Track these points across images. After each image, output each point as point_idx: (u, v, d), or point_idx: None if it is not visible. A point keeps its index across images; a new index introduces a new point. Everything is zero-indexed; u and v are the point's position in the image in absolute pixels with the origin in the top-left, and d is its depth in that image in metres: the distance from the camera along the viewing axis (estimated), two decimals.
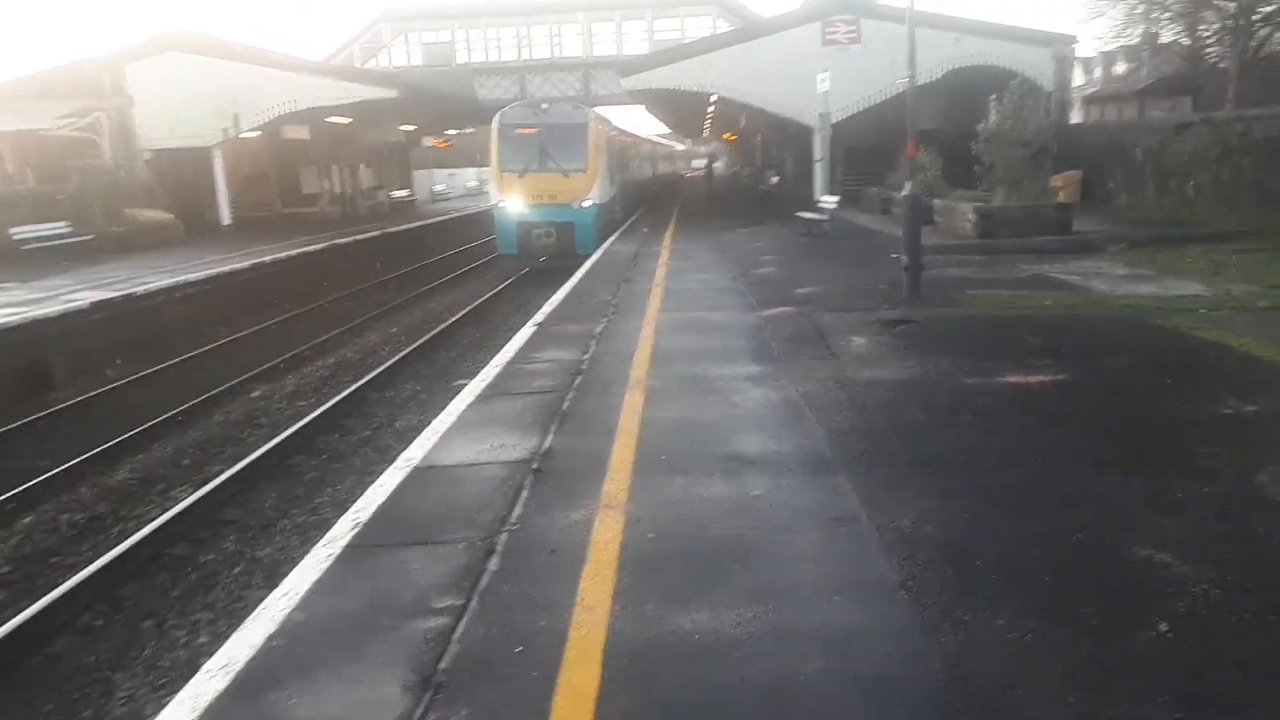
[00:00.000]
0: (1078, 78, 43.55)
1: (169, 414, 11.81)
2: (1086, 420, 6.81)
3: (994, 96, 18.39)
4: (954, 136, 22.80)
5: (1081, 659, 3.66)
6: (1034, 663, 3.65)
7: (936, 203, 19.91)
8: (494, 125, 23.53)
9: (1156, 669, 3.57)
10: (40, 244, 21.68)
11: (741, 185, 54.43)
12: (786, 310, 11.82)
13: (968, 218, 18.12)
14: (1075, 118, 38.54)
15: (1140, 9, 34.03)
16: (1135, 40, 37.89)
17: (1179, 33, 34.73)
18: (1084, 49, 38.84)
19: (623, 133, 33.06)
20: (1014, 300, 11.67)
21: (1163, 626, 3.87)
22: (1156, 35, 36.30)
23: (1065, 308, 11.14)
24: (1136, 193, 21.87)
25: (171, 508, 8.55)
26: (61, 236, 22.36)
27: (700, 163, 75.50)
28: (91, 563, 7.42)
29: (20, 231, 21.53)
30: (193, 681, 3.76)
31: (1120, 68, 50.17)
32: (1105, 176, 23.41)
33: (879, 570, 4.49)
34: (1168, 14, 33.88)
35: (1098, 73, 54.57)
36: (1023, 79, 19.11)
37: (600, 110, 28.92)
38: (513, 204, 22.78)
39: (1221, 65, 32.43)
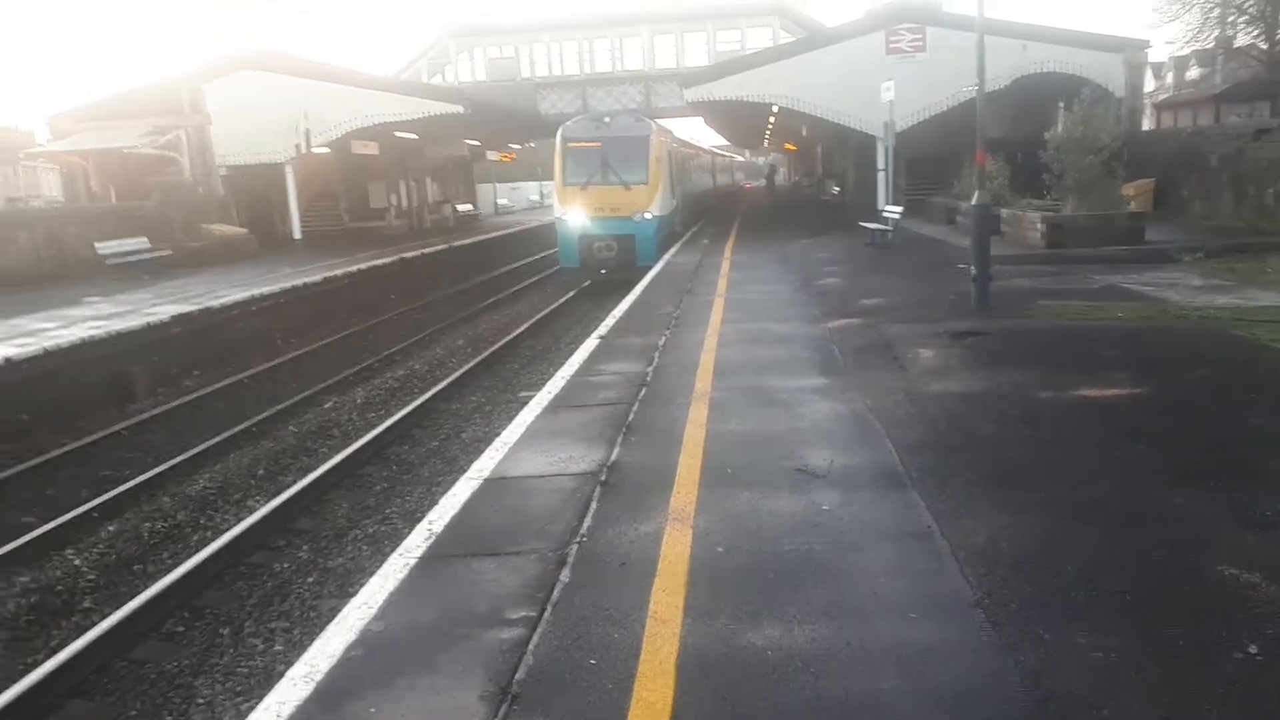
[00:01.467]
0: (1149, 83, 42.56)
1: (245, 425, 12.12)
2: (1165, 434, 6.64)
3: (1063, 104, 18.03)
4: (1021, 145, 22.44)
5: (1168, 680, 3.58)
6: (1118, 683, 3.57)
7: (1004, 212, 19.59)
8: (557, 139, 23.79)
9: (1247, 692, 3.48)
10: (122, 259, 22.42)
11: (802, 196, 54.15)
12: (852, 322, 11.73)
13: (1036, 227, 17.79)
14: (1147, 124, 37.61)
15: (1215, 12, 33.19)
16: (1210, 44, 36.90)
17: (1256, 36, 33.74)
18: (1156, 54, 37.92)
19: (683, 144, 33.14)
20: (1086, 311, 11.42)
21: (1252, 649, 3.76)
22: (1232, 39, 35.32)
23: (1139, 319, 10.87)
24: (1212, 201, 21.24)
25: (247, 517, 8.77)
26: (142, 251, 23.09)
27: (760, 175, 75.26)
28: (172, 570, 7.64)
29: (104, 246, 22.30)
30: (276, 689, 3.86)
31: (1194, 72, 48.90)
32: (1179, 184, 22.79)
33: (954, 586, 4.44)
34: (1244, 17, 32.97)
35: (1170, 78, 53.25)
36: (1093, 86, 18.70)
37: (662, 122, 29.06)
38: (574, 217, 22.97)
39: None
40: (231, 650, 6.73)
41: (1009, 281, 13.91)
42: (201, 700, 6.11)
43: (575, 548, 5.09)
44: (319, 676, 3.91)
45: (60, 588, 7.79)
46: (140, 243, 23.29)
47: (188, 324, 15.95)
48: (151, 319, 15.22)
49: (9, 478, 10.41)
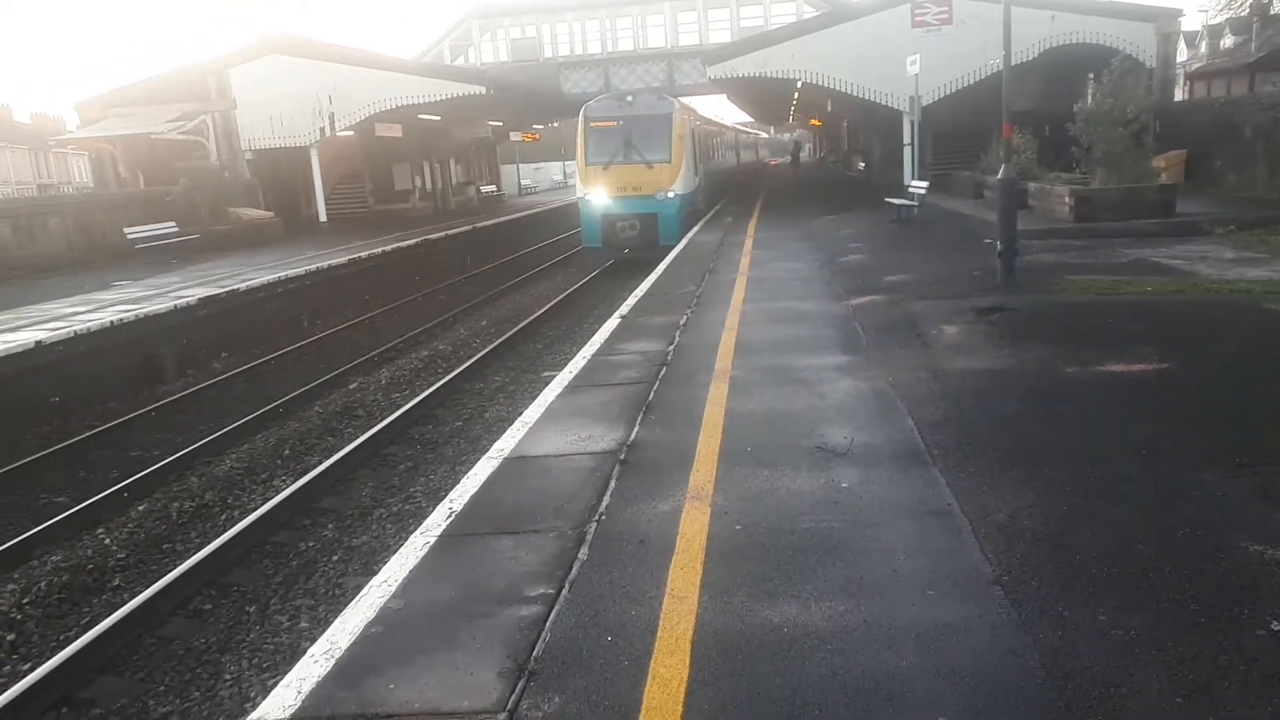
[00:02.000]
0: (1182, 53, 41.75)
1: (271, 405, 12.25)
2: (1192, 410, 6.55)
3: (1092, 75, 17.72)
4: (1050, 118, 22.14)
5: (1189, 658, 3.53)
6: (1138, 661, 3.54)
7: (1031, 186, 19.34)
8: (579, 119, 23.70)
9: (1270, 669, 3.43)
10: (151, 243, 22.68)
11: (827, 172, 53.72)
12: (876, 299, 11.64)
13: (1064, 201, 17.54)
14: (1180, 95, 36.92)
15: None
16: (1244, 12, 36.06)
17: None
18: (1189, 23, 37.15)
19: (707, 122, 32.91)
20: (1114, 286, 11.26)
21: (1276, 625, 3.71)
22: (1268, 6, 34.47)
23: (1168, 293, 10.70)
24: (1245, 172, 20.83)
25: (274, 496, 8.87)
26: (170, 236, 23.34)
27: (785, 151, 74.69)
28: (200, 549, 7.75)
29: (133, 231, 22.56)
30: (297, 666, 3.91)
31: (1228, 41, 47.88)
32: (1212, 156, 22.37)
33: (974, 564, 4.41)
34: None
35: (1204, 47, 52.19)
36: (1123, 56, 18.35)
37: (684, 100, 28.86)
38: (597, 196, 22.91)
39: None
40: (258, 627, 6.82)
41: (1036, 256, 13.75)
42: (228, 676, 6.19)
43: (594, 526, 5.11)
44: (339, 654, 3.95)
45: (91, 566, 7.92)
46: (168, 227, 23.53)
47: (215, 307, 16.12)
48: (179, 302, 15.39)
49: (41, 459, 10.60)
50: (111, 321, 13.79)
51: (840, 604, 4.10)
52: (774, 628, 3.94)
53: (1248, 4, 34.39)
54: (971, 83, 25.40)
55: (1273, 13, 34.97)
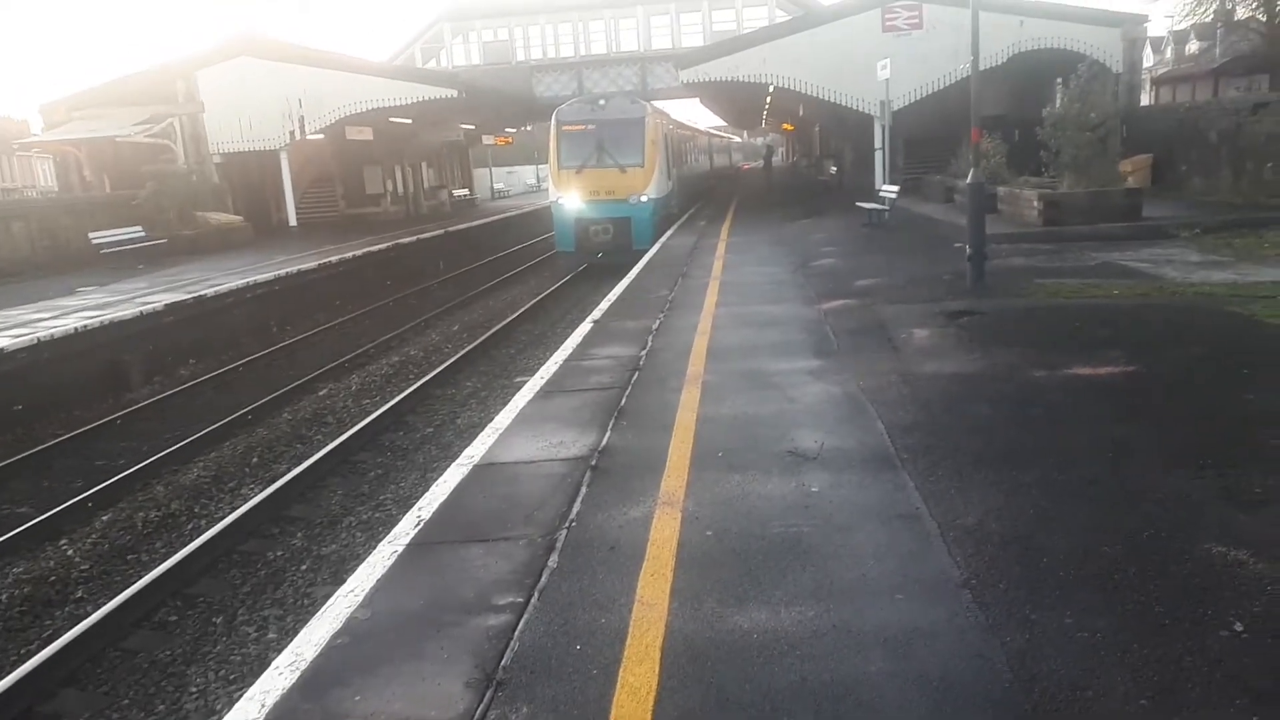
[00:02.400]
0: (1149, 58, 42.33)
1: (239, 413, 12.11)
2: (1158, 413, 6.61)
3: (1060, 80, 17.91)
4: (1019, 122, 22.36)
5: (1154, 660, 3.56)
6: (1104, 663, 3.56)
7: (1001, 190, 19.50)
8: (552, 122, 23.67)
9: (1232, 670, 3.46)
10: (117, 248, 22.40)
11: (800, 176, 53.96)
12: (847, 303, 11.69)
13: (1033, 205, 17.71)
14: (1146, 100, 37.42)
15: None
16: (1208, 18, 36.60)
17: (1255, 8, 33.44)
18: (1155, 28, 37.68)
19: (680, 126, 32.97)
20: (1082, 289, 11.37)
21: (1238, 626, 3.74)
22: (1231, 12, 35.00)
23: (1136, 296, 10.82)
24: (1211, 176, 21.13)
25: (241, 505, 8.76)
26: (136, 240, 23.06)
27: (758, 156, 74.97)
28: (166, 559, 7.64)
29: (99, 236, 22.26)
30: (261, 679, 3.85)
31: (1193, 47, 48.60)
32: (1177, 160, 22.67)
33: (942, 568, 4.42)
34: None
35: (1169, 53, 52.95)
36: (1090, 61, 18.58)
37: (657, 104, 28.90)
38: (570, 201, 22.88)
39: None
40: (225, 639, 6.74)
41: (1005, 260, 13.87)
42: (194, 689, 6.11)
43: (564, 533, 5.08)
44: (304, 665, 3.90)
45: (54, 578, 7.79)
46: (134, 232, 23.25)
47: (182, 313, 15.93)
48: (145, 308, 15.19)
49: (3, 468, 10.42)
50: (76, 328, 13.58)
51: (810, 609, 4.10)
52: (744, 634, 3.93)
53: (1212, 9, 34.93)
54: (942, 87, 25.60)
55: (1236, 19, 35.52)
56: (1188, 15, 35.90)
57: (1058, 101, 17.91)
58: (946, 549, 4.60)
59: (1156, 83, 46.94)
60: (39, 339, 12.90)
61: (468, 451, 6.73)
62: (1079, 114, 17.12)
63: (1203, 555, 4.38)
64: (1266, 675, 3.42)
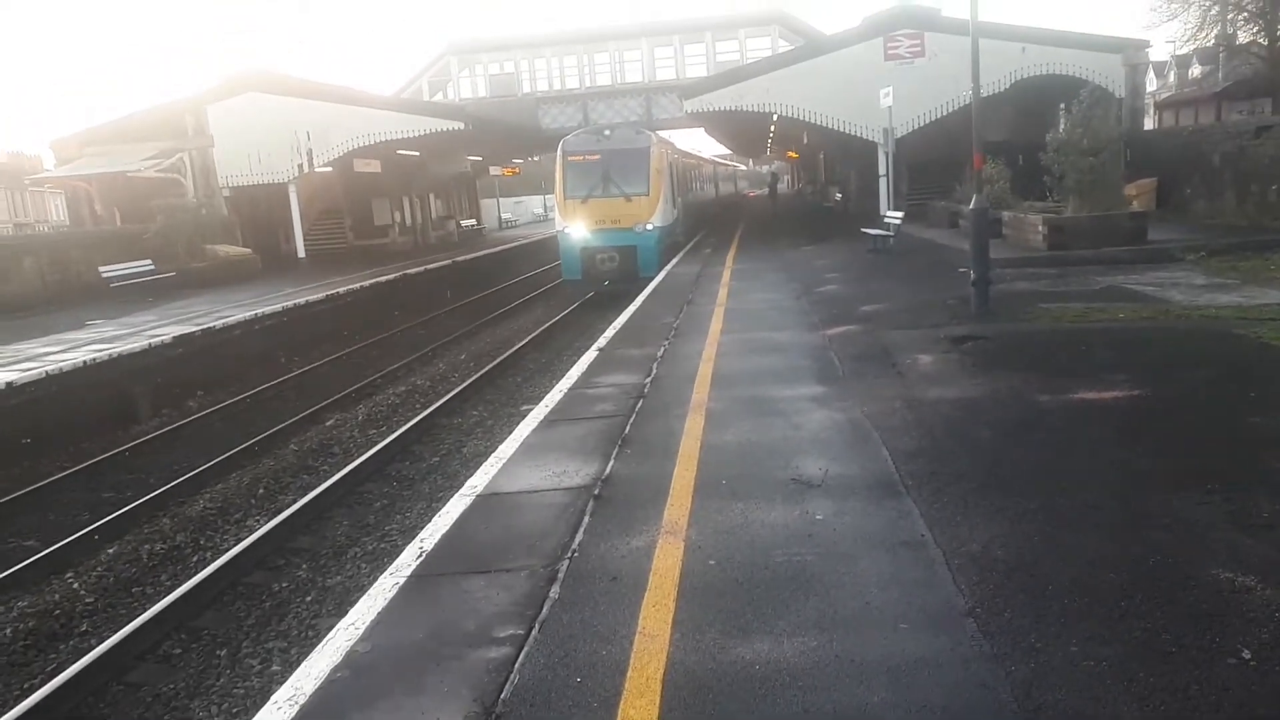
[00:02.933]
0: (1152, 83, 42.49)
1: (246, 444, 12.13)
2: (1164, 437, 6.57)
3: (1063, 105, 17.98)
4: (1022, 148, 22.41)
5: (1160, 689, 3.51)
6: (1110, 692, 3.51)
7: (1005, 215, 19.54)
8: (558, 153, 23.87)
9: (1240, 699, 3.41)
10: (126, 281, 22.56)
11: (805, 203, 54.12)
12: (852, 329, 11.68)
13: (1037, 229, 17.73)
14: (1149, 124, 37.50)
15: (1215, 10, 33.06)
16: (1210, 43, 36.78)
17: (1256, 33, 33.60)
18: (1157, 53, 37.83)
19: (684, 155, 33.17)
20: (1086, 313, 11.35)
21: (1246, 654, 3.70)
22: (1233, 36, 35.17)
23: (1140, 320, 10.79)
24: (1215, 199, 21.13)
25: (247, 537, 8.75)
26: (146, 274, 23.24)
27: (763, 183, 75.24)
28: (170, 592, 7.63)
29: (109, 270, 22.44)
30: (260, 714, 3.83)
31: (1195, 71, 48.77)
32: (1181, 183, 22.69)
33: (947, 596, 4.38)
34: (1244, 14, 32.84)
35: (1172, 77, 53.13)
36: (1093, 87, 18.63)
37: (662, 133, 29.08)
38: (576, 230, 23.01)
39: None
40: (228, 672, 6.71)
41: (1010, 285, 13.86)
42: None
43: (566, 564, 5.05)
44: (303, 699, 3.87)
45: (59, 611, 7.78)
46: (144, 265, 23.43)
47: (190, 345, 16.00)
48: (154, 341, 15.26)
49: (11, 502, 10.43)
50: (84, 361, 13.65)
51: (813, 639, 4.06)
52: (746, 665, 3.89)
53: (1213, 34, 35.10)
54: (945, 114, 25.72)
55: (1238, 43, 35.66)
56: (1190, 40, 36.11)
57: (1061, 126, 17.95)
58: (951, 577, 4.56)
59: (1160, 107, 47.08)
60: (47, 373, 12.97)
61: (471, 482, 6.72)
62: (1082, 138, 17.18)
63: (1210, 581, 4.34)
64: (1275, 704, 3.37)
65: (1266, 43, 32.91)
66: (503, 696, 3.78)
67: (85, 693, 6.31)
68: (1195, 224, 19.94)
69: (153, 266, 23.55)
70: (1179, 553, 4.64)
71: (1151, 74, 44.47)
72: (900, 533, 5.15)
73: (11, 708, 6.02)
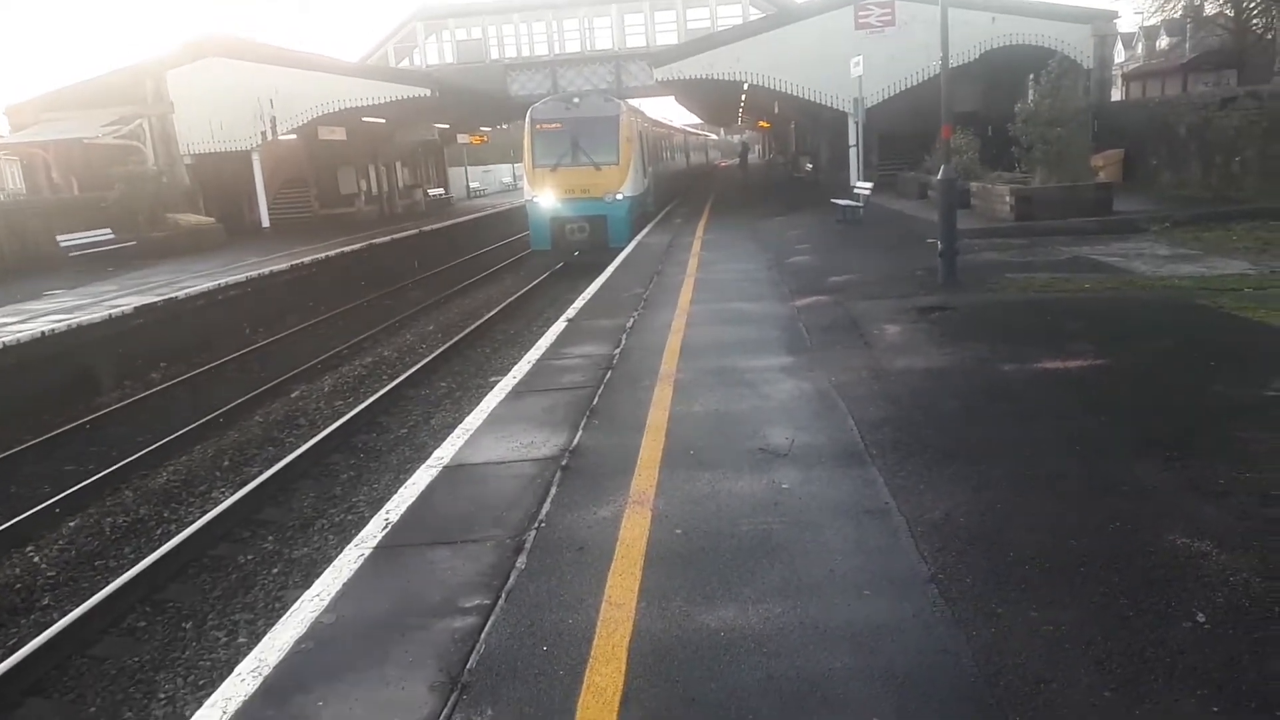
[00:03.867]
0: (1120, 54, 42.73)
1: (210, 416, 11.99)
2: (1126, 406, 6.65)
3: (1032, 76, 18.03)
4: (992, 118, 22.48)
5: (1117, 652, 3.57)
6: (1068, 656, 3.57)
7: (973, 186, 19.63)
8: (526, 121, 23.61)
9: (1194, 662, 3.48)
10: (86, 251, 22.12)
11: (776, 173, 54.08)
12: (821, 299, 11.71)
13: (1005, 200, 17.83)
14: (1117, 95, 37.73)
15: None
16: (1178, 14, 37.00)
17: (1223, 4, 33.85)
18: (1125, 24, 38.00)
19: (655, 124, 32.95)
20: (1052, 284, 11.45)
21: (1200, 617, 3.77)
22: (1200, 8, 35.42)
23: (1105, 290, 10.91)
24: (1180, 171, 21.36)
25: (211, 509, 8.67)
26: (106, 243, 22.77)
27: (734, 153, 75.03)
28: (134, 565, 7.54)
29: (67, 239, 21.97)
30: (223, 686, 3.80)
31: (1164, 42, 49.07)
32: (1148, 155, 22.89)
33: (910, 563, 4.42)
34: None
35: (1140, 48, 53.43)
36: (1061, 57, 18.68)
37: (632, 102, 28.87)
38: (545, 199, 22.82)
39: (1268, 37, 31.56)
40: (194, 644, 6.67)
41: (977, 255, 13.95)
42: (163, 695, 6.05)
43: (533, 534, 5.05)
44: (267, 671, 3.85)
45: (20, 585, 7.68)
46: (104, 234, 22.97)
47: (152, 315, 15.75)
48: (114, 311, 15.00)
49: None
50: (43, 332, 13.40)
51: (777, 606, 4.09)
52: (711, 632, 3.92)
53: (1180, 6, 35.31)
54: (915, 84, 25.70)
55: (1205, 15, 35.92)
56: (1157, 11, 36.34)
57: (1029, 97, 18.01)
58: (914, 544, 4.60)
59: (1127, 78, 47.36)
60: (4, 344, 12.71)
61: (438, 453, 6.68)
62: (1050, 109, 17.24)
63: (1167, 547, 4.41)
64: (1227, 666, 3.44)
65: (1233, 14, 33.16)
66: (468, 666, 3.78)
67: (48, 666, 6.24)
68: (1161, 195, 20.14)
69: (112, 235, 23.08)
70: (1138, 519, 4.72)
71: (1120, 45, 44.65)
72: (865, 501, 5.19)
73: None
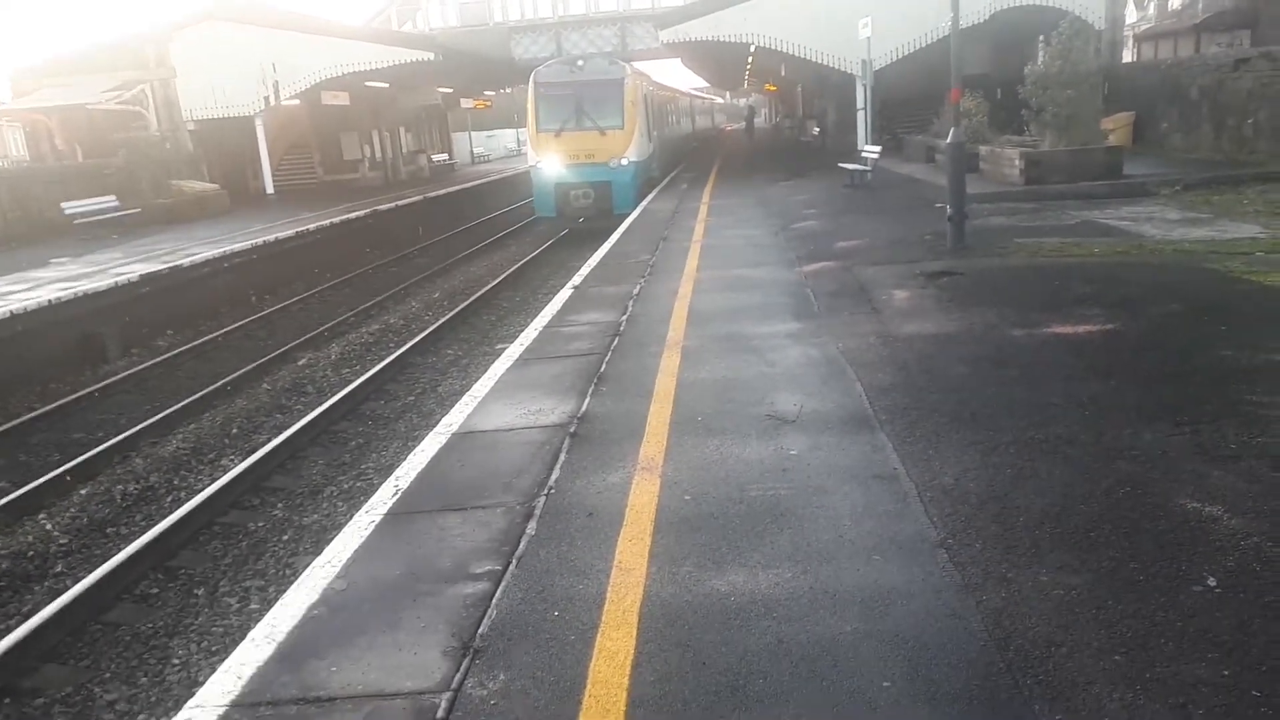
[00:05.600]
0: (1132, 14, 42.14)
1: (218, 384, 12.02)
2: (1135, 370, 6.63)
3: (1042, 38, 17.79)
4: (1001, 81, 22.27)
5: (1127, 615, 3.58)
6: (1078, 620, 3.58)
7: (982, 149, 19.44)
8: (529, 85, 23.38)
9: (1204, 625, 3.49)
10: (90, 218, 22.07)
11: (782, 137, 53.67)
12: (828, 265, 11.66)
13: (1014, 164, 17.67)
14: (1128, 56, 37.26)
15: None
16: None
17: None
18: None
19: (660, 87, 32.65)
20: (1061, 248, 11.37)
21: (1211, 581, 3.77)
22: None
23: (1115, 255, 10.83)
24: (1192, 133, 21.12)
25: (221, 477, 8.71)
26: (110, 210, 22.71)
27: (741, 116, 74.37)
28: (146, 532, 7.60)
29: (71, 206, 21.92)
30: (237, 651, 3.84)
31: (1175, 2, 48.32)
32: (1159, 117, 22.64)
33: (919, 528, 4.43)
34: None
35: (1151, 8, 52.66)
36: (1072, 18, 18.42)
37: (638, 65, 28.57)
38: (549, 164, 22.64)
39: None
40: (207, 610, 6.72)
41: (986, 220, 13.85)
42: (177, 661, 6.10)
43: (542, 500, 5.06)
44: (280, 637, 3.88)
45: (32, 553, 7.74)
46: (108, 201, 22.90)
47: (158, 283, 15.75)
48: (120, 279, 14.99)
49: None
50: (49, 300, 13.41)
51: (787, 571, 4.11)
52: (721, 597, 3.93)
53: None
54: (923, 46, 25.39)
55: None
56: None
57: (1039, 59, 17.78)
58: (924, 509, 4.61)
59: (1139, 39, 46.69)
60: (11, 312, 12.73)
61: (446, 420, 6.70)
62: (1060, 71, 17.03)
63: (1178, 511, 4.41)
64: (1237, 629, 3.45)
65: None
66: (480, 631, 3.81)
67: (64, 632, 6.30)
68: (1171, 158, 19.95)
69: (117, 203, 23.01)
70: (1148, 484, 4.71)
71: (1131, 5, 44.01)
72: (873, 466, 5.19)
73: None
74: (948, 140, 12.46)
